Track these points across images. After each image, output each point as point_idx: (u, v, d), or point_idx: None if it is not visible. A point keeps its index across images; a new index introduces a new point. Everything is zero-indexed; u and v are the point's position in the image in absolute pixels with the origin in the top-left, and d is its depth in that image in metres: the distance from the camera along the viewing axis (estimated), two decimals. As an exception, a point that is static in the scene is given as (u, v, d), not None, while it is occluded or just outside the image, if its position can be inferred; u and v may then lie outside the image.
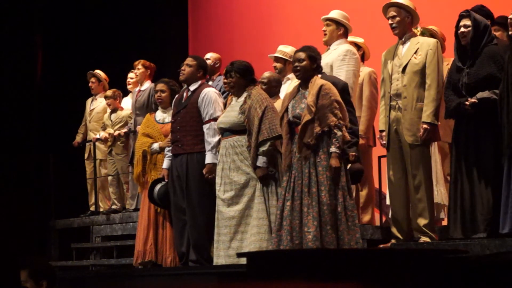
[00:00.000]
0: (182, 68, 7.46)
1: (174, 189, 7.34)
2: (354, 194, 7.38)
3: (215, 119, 7.07)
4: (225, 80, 7.05)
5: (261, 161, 6.66)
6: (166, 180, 7.47)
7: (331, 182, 6.11)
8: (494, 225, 6.12)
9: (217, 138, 7.02)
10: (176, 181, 7.31)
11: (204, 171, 7.08)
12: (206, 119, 7.17)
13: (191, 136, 7.22)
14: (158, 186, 7.52)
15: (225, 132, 6.89)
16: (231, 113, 6.86)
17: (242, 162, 6.74)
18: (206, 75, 7.61)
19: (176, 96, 7.59)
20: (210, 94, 7.22)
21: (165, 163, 7.53)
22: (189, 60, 7.43)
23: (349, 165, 6.40)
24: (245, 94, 6.85)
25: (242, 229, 6.69)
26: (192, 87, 7.36)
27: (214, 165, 6.99)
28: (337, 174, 6.12)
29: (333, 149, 6.13)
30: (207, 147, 7.08)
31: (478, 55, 6.30)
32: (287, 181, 6.27)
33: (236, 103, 6.89)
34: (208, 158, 7.06)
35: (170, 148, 7.43)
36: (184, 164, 7.23)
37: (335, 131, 6.14)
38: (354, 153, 6.44)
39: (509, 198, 5.98)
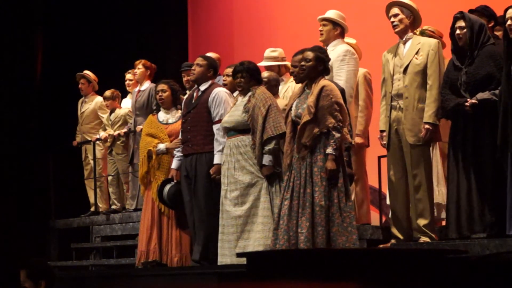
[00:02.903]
0: (193, 68, 7.48)
1: (184, 190, 7.36)
2: (353, 195, 7.41)
3: None
4: (234, 80, 7.03)
5: (267, 159, 6.66)
6: (175, 181, 7.49)
7: (326, 183, 6.10)
8: (498, 226, 6.11)
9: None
10: (184, 181, 7.33)
11: (211, 171, 7.10)
12: (216, 119, 7.18)
13: (201, 136, 7.23)
14: (167, 187, 7.53)
15: (230, 131, 6.91)
16: (236, 113, 6.87)
17: (247, 162, 6.75)
18: (216, 75, 7.62)
19: (186, 96, 7.60)
20: (221, 94, 7.24)
21: (174, 164, 7.56)
22: (199, 60, 7.45)
23: None
24: (249, 94, 6.86)
25: (248, 228, 6.70)
26: (202, 87, 7.38)
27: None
28: (333, 176, 6.10)
29: (329, 150, 6.11)
30: (217, 148, 7.09)
31: (477, 55, 6.30)
32: (286, 180, 6.27)
33: (240, 103, 6.91)
34: (217, 159, 7.06)
35: (179, 148, 7.44)
36: (194, 164, 7.25)
37: (333, 132, 6.13)
38: (346, 158, 6.45)
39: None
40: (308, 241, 6.02)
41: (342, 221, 6.08)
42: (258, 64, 7.83)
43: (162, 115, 7.96)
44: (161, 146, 7.77)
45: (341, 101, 6.23)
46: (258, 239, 6.61)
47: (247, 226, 6.71)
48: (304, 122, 6.19)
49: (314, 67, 6.31)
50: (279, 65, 7.80)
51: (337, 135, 6.13)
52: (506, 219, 6.00)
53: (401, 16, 6.76)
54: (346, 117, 6.24)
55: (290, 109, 6.38)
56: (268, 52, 7.86)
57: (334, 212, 6.08)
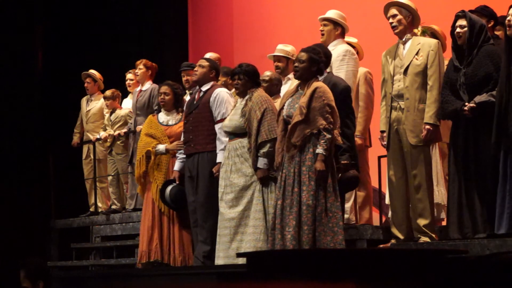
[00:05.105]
0: (195, 69, 7.51)
1: (188, 191, 7.39)
2: (353, 195, 7.40)
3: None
4: (232, 82, 7.08)
5: (261, 162, 6.68)
6: (177, 182, 7.50)
7: (313, 182, 6.10)
8: (492, 225, 6.12)
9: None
10: (188, 182, 7.37)
11: (214, 170, 7.13)
12: (218, 118, 7.22)
13: (203, 135, 7.27)
14: (169, 188, 7.54)
15: (230, 135, 6.95)
16: (235, 117, 6.91)
17: (243, 164, 6.78)
18: (218, 76, 7.65)
19: (189, 99, 7.64)
20: (222, 94, 7.28)
21: (177, 165, 7.60)
22: (201, 61, 7.51)
23: (340, 174, 6.42)
24: (246, 97, 6.88)
25: (241, 230, 6.73)
26: (204, 88, 7.43)
27: None
28: (321, 177, 6.09)
29: (319, 150, 6.11)
30: (220, 146, 7.13)
31: (475, 55, 6.31)
32: (279, 179, 6.28)
33: (239, 106, 6.94)
34: (220, 157, 7.10)
35: (182, 150, 7.47)
36: (196, 163, 7.28)
37: (324, 133, 6.13)
38: (345, 161, 6.45)
39: (505, 199, 5.99)
40: (294, 239, 6.04)
41: (328, 221, 6.08)
42: (269, 55, 7.85)
43: (162, 117, 7.97)
44: (161, 147, 7.78)
45: (333, 103, 6.23)
46: (249, 241, 6.65)
47: (240, 228, 6.74)
48: (295, 122, 6.21)
49: (308, 68, 6.32)
50: (287, 60, 7.78)
51: (328, 136, 6.13)
52: (495, 218, 6.02)
53: (399, 16, 6.76)
54: (337, 119, 6.23)
55: (282, 108, 6.40)
56: (280, 46, 7.86)
57: (320, 212, 6.08)
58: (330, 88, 6.43)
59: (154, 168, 7.78)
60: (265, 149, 6.67)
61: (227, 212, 6.79)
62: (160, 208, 7.70)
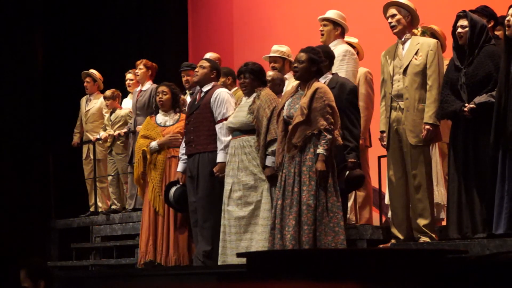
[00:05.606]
0: (196, 70, 7.53)
1: (189, 191, 7.40)
2: (353, 195, 7.41)
3: (227, 119, 7.11)
4: (238, 81, 7.11)
5: (270, 161, 6.69)
6: (181, 183, 7.51)
7: (314, 182, 6.11)
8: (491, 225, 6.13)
9: (229, 137, 7.07)
10: (190, 182, 7.38)
11: (215, 170, 7.14)
12: (219, 118, 7.24)
13: (204, 136, 7.29)
14: (173, 189, 7.55)
15: (234, 132, 6.96)
16: (240, 113, 6.92)
17: (250, 162, 6.79)
18: (219, 77, 7.66)
19: (190, 99, 7.65)
20: (223, 94, 7.30)
21: (180, 167, 7.61)
22: (202, 62, 7.53)
23: (347, 172, 6.41)
24: (254, 95, 6.89)
25: (251, 229, 6.75)
26: (205, 88, 7.45)
27: (225, 164, 7.02)
28: (322, 177, 6.10)
29: (320, 150, 6.13)
30: (220, 146, 7.14)
31: (476, 55, 6.31)
32: (279, 180, 6.28)
33: (245, 103, 6.95)
34: (220, 157, 7.11)
35: (184, 151, 7.49)
36: (196, 163, 7.29)
37: (325, 133, 6.14)
38: (352, 159, 6.46)
39: (503, 199, 5.99)
40: (293, 239, 6.05)
41: (329, 221, 6.09)
42: (264, 56, 7.86)
43: (160, 117, 7.98)
44: (153, 144, 7.82)
45: (334, 104, 6.25)
46: (258, 240, 6.67)
47: (250, 227, 6.75)
48: (296, 123, 6.22)
49: (307, 69, 6.32)
50: (283, 61, 7.79)
51: (329, 136, 6.14)
52: (494, 218, 6.02)
53: (399, 16, 6.77)
54: (337, 120, 6.25)
55: (282, 108, 6.41)
56: (275, 46, 7.86)
57: (321, 211, 6.10)
58: (337, 89, 6.47)
59: (151, 168, 7.80)
60: (273, 147, 6.67)
61: (235, 210, 6.80)
62: (155, 208, 7.72)
